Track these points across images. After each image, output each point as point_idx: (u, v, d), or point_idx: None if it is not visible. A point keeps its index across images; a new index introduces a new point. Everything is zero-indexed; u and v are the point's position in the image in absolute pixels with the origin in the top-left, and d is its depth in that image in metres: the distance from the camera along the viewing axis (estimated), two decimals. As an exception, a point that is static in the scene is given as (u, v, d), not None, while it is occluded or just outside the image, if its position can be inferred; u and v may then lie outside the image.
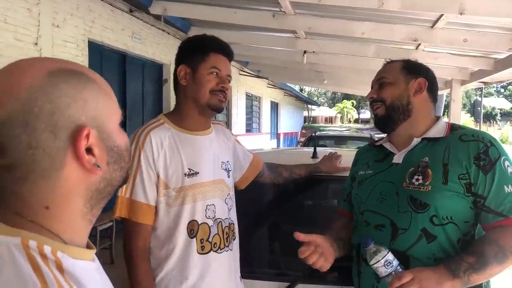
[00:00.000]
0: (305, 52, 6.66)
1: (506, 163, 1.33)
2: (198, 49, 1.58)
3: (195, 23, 6.67)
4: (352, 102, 59.89)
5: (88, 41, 5.46)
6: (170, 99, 8.12)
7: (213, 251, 1.56)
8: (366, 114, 64.15)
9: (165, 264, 1.52)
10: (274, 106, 18.83)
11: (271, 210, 2.18)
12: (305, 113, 38.92)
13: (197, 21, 6.45)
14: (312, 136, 10.04)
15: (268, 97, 16.65)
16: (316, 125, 37.77)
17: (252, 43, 6.99)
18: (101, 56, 5.96)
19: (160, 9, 5.33)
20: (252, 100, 14.80)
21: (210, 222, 1.56)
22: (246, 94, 13.57)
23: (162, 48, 7.53)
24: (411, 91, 1.47)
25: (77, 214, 0.65)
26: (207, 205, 1.55)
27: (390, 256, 1.30)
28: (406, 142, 1.47)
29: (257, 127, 15.40)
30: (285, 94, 19.81)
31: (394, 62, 1.56)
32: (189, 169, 1.53)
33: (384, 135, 1.64)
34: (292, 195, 2.15)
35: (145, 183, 1.49)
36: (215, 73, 1.57)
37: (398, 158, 1.46)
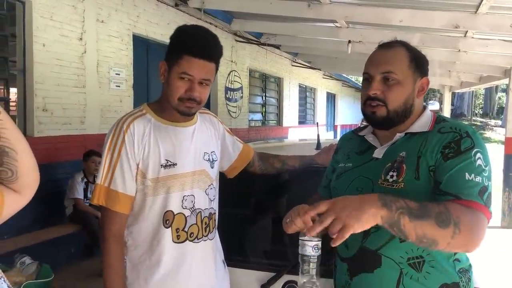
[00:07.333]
0: (349, 41, 6.51)
1: (478, 155, 1.23)
2: (174, 49, 1.52)
3: (236, 15, 6.73)
4: (420, 93, 57.19)
5: (133, 35, 5.71)
6: (217, 88, 8.27)
7: (189, 240, 1.59)
8: (435, 105, 61.06)
9: (139, 251, 1.58)
10: (331, 98, 18.52)
11: (262, 200, 2.19)
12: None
13: (238, 13, 6.51)
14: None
15: (324, 89, 16.41)
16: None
17: (295, 34, 6.94)
18: (147, 50, 6.19)
19: (198, 2, 5.44)
20: (306, 92, 14.67)
21: (187, 213, 1.58)
22: (299, 86, 13.47)
23: (209, 41, 7.66)
24: (416, 92, 1.36)
25: None
26: (185, 195, 1.58)
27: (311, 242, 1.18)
28: (390, 136, 1.38)
29: (312, 119, 15.25)
30: (343, 85, 19.41)
31: (398, 49, 1.35)
32: (166, 160, 1.55)
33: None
34: (287, 186, 2.14)
35: (125, 174, 1.52)
36: (186, 79, 1.49)
37: (379, 153, 1.38)
